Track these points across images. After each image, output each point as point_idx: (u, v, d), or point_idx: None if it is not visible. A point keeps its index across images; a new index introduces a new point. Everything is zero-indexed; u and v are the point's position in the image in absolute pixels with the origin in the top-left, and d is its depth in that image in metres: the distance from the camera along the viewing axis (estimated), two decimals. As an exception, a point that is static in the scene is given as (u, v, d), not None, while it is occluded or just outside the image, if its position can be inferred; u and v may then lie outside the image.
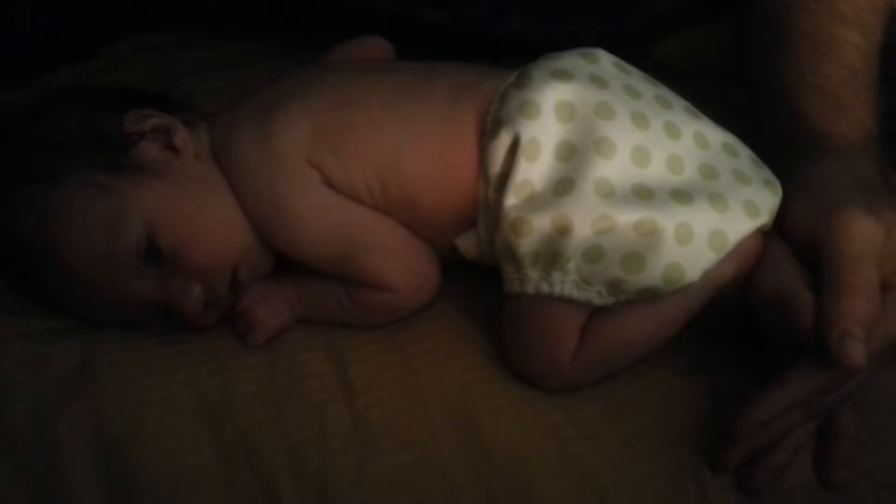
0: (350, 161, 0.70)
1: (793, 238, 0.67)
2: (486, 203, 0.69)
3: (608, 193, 0.65)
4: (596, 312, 0.67)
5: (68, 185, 0.69)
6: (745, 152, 0.70)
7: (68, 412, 0.68)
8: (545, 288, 0.66)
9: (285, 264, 0.74)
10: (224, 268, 0.71)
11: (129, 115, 0.72)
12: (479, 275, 0.73)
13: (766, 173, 0.69)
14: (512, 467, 0.66)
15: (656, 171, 0.66)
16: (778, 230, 0.68)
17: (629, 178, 0.65)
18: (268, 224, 0.71)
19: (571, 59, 0.70)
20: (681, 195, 0.65)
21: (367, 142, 0.70)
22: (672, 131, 0.68)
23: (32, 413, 0.68)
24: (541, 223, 0.65)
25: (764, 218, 0.67)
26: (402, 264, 0.71)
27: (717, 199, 0.66)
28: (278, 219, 0.71)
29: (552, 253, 0.65)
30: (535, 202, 0.66)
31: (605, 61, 0.71)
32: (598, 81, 0.69)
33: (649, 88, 0.71)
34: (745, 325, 0.69)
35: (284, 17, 0.92)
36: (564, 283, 0.65)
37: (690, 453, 0.67)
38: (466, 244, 0.71)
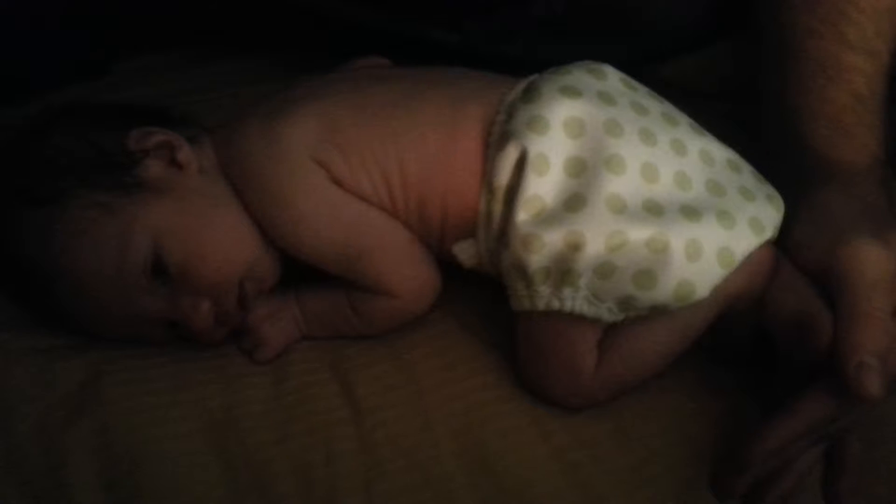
0: (355, 160, 0.70)
1: (801, 266, 0.67)
2: (487, 214, 0.69)
3: (620, 209, 0.65)
4: (611, 328, 0.67)
5: (73, 207, 0.68)
6: (747, 168, 0.71)
7: (74, 430, 0.67)
8: (555, 304, 0.66)
9: (290, 279, 0.74)
10: (231, 282, 0.71)
11: (132, 132, 0.72)
12: (485, 291, 0.73)
13: (769, 189, 0.70)
14: (519, 490, 0.66)
15: (665, 188, 0.67)
16: (787, 258, 0.68)
17: (640, 194, 0.66)
18: (274, 223, 0.71)
19: (579, 75, 0.71)
20: (690, 211, 0.66)
21: (372, 142, 0.71)
22: (679, 148, 0.69)
23: (37, 430, 0.68)
24: (552, 239, 0.65)
25: (768, 234, 0.68)
26: (405, 269, 0.71)
27: (724, 216, 0.66)
28: (285, 217, 0.71)
29: (564, 269, 0.65)
30: (547, 218, 0.66)
31: (613, 77, 0.72)
32: (605, 98, 0.69)
33: (655, 105, 0.72)
34: (755, 351, 0.69)
35: (290, 35, 0.93)
36: (575, 300, 0.65)
37: (700, 477, 0.66)
38: (465, 253, 0.71)
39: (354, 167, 0.70)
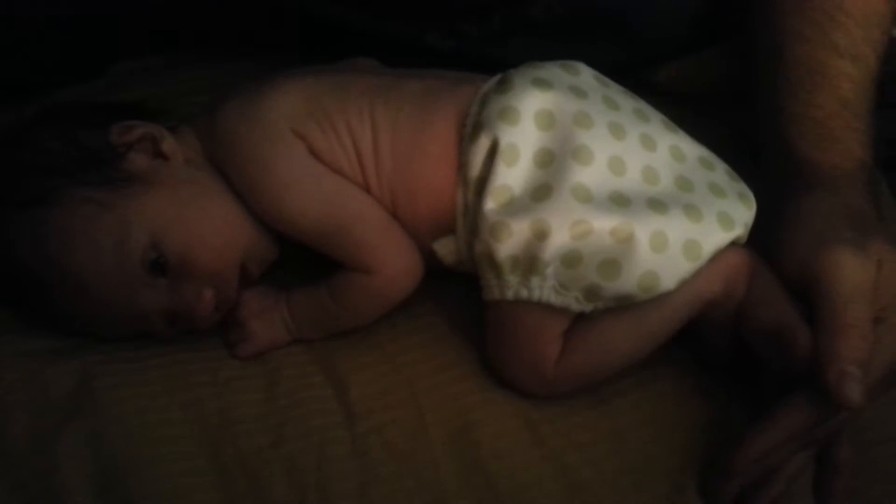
0: (332, 135, 0.71)
1: (784, 272, 0.68)
2: (465, 207, 0.70)
3: (586, 199, 0.66)
4: (579, 319, 0.68)
5: (65, 206, 0.69)
6: (721, 166, 0.71)
7: (66, 434, 0.67)
8: (524, 293, 0.66)
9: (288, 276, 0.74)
10: (232, 266, 0.71)
11: (114, 127, 0.72)
12: (479, 294, 0.72)
13: (742, 187, 0.70)
14: (513, 493, 0.66)
15: (632, 181, 0.67)
16: (770, 264, 0.68)
17: (606, 185, 0.67)
18: (257, 193, 0.71)
19: (552, 70, 0.72)
20: (656, 204, 0.66)
21: (349, 118, 0.71)
22: (648, 143, 0.69)
23: (30, 434, 0.68)
24: (519, 227, 0.66)
25: (738, 230, 0.68)
26: (385, 242, 0.71)
27: (691, 210, 0.67)
28: (267, 185, 0.71)
29: (530, 258, 0.66)
30: (514, 207, 0.67)
31: (585, 74, 0.73)
32: (577, 91, 0.70)
33: (628, 101, 0.72)
34: (739, 359, 0.70)
35: (286, 37, 0.93)
36: (543, 289, 0.66)
37: (694, 482, 0.67)
38: (444, 249, 0.72)
39: (332, 141, 0.71)
